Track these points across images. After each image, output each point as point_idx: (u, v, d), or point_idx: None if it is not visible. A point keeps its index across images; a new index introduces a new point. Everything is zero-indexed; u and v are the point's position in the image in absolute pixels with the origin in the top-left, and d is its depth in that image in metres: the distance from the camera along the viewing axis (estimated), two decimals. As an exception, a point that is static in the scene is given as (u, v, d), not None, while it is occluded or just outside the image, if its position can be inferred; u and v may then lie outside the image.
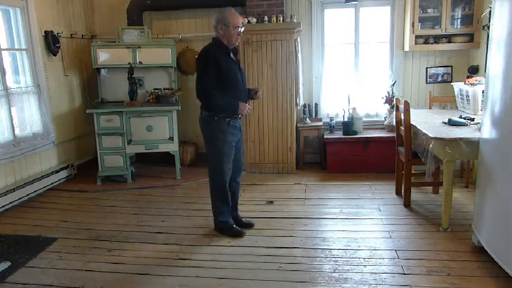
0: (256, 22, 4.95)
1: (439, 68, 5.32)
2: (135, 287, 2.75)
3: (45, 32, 4.76)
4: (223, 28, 3.24)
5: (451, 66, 5.29)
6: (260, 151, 5.24)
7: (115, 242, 3.40)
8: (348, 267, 2.89)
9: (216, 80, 3.18)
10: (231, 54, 3.34)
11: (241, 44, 5.02)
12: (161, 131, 4.96)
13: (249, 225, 3.61)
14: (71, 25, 5.33)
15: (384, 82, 5.37)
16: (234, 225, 3.51)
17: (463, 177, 4.68)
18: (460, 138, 3.17)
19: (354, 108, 5.27)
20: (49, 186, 4.76)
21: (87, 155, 5.60)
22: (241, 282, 2.75)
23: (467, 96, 4.16)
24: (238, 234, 3.44)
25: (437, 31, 4.97)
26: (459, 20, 4.98)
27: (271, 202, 4.24)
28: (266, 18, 4.96)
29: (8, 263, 3.05)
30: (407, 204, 3.97)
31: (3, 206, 4.07)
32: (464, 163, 4.62)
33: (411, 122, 3.78)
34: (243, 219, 3.65)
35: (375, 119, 5.53)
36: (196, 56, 3.33)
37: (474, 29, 4.87)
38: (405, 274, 2.77)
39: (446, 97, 4.98)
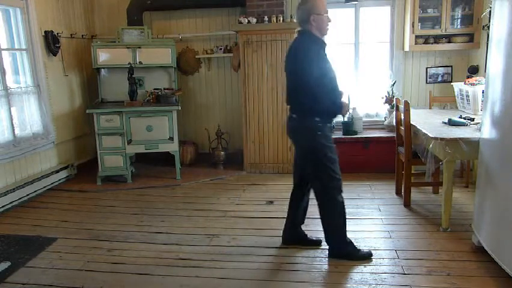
0: (256, 22, 4.95)
1: (439, 68, 5.32)
2: (135, 287, 2.75)
3: (45, 32, 4.76)
4: (316, 18, 2.80)
5: (451, 66, 5.29)
6: (260, 151, 5.23)
7: (115, 242, 3.40)
8: (348, 267, 2.88)
9: (321, 80, 2.77)
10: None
11: (241, 44, 5.02)
12: (161, 131, 4.95)
13: (318, 243, 3.21)
14: (71, 25, 5.33)
15: (384, 82, 5.37)
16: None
17: (463, 177, 4.67)
18: (460, 138, 3.17)
19: (354, 108, 5.26)
20: (49, 186, 4.76)
21: (87, 155, 5.60)
22: (241, 282, 2.75)
23: (467, 96, 4.16)
24: (369, 256, 2.98)
25: (437, 31, 4.96)
26: (459, 20, 4.98)
27: (271, 202, 4.23)
28: (266, 18, 4.95)
29: (8, 263, 3.05)
30: (407, 204, 3.97)
31: (3, 206, 4.07)
32: (464, 163, 4.62)
33: (411, 122, 3.78)
34: (308, 236, 3.25)
35: (375, 119, 5.53)
36: (295, 53, 2.85)
37: (474, 29, 4.87)
38: (405, 274, 2.77)
39: (446, 97, 4.98)
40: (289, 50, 2.97)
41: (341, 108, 2.91)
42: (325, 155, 2.88)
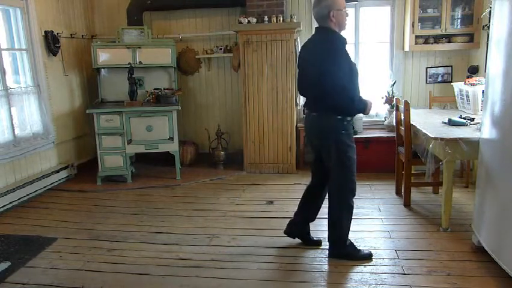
0: (256, 22, 4.94)
1: (439, 68, 5.32)
2: (135, 287, 2.75)
3: (45, 32, 4.76)
4: (336, 14, 2.75)
5: (451, 66, 5.29)
6: (260, 151, 5.23)
7: (115, 242, 3.40)
8: (348, 267, 2.88)
9: (351, 79, 2.74)
10: None
11: (241, 44, 5.02)
12: (161, 131, 4.96)
13: (318, 243, 3.21)
14: (71, 25, 5.33)
15: (384, 82, 5.37)
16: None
17: (463, 177, 4.67)
18: (460, 138, 3.17)
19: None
20: (49, 186, 4.76)
21: (87, 155, 5.60)
22: (241, 282, 2.75)
23: (467, 96, 4.16)
24: (369, 257, 2.99)
25: (437, 31, 4.97)
26: (459, 20, 4.98)
27: (271, 202, 4.24)
28: (266, 18, 4.95)
29: (8, 263, 3.05)
30: (407, 204, 3.97)
31: (3, 206, 4.07)
32: (464, 163, 4.62)
33: (411, 122, 3.78)
34: (310, 235, 3.25)
35: (375, 119, 5.53)
36: (319, 52, 2.80)
37: (474, 29, 4.87)
38: (405, 274, 2.77)
39: (446, 97, 4.98)
40: (310, 46, 2.93)
41: (366, 106, 2.86)
42: (346, 153, 2.84)
